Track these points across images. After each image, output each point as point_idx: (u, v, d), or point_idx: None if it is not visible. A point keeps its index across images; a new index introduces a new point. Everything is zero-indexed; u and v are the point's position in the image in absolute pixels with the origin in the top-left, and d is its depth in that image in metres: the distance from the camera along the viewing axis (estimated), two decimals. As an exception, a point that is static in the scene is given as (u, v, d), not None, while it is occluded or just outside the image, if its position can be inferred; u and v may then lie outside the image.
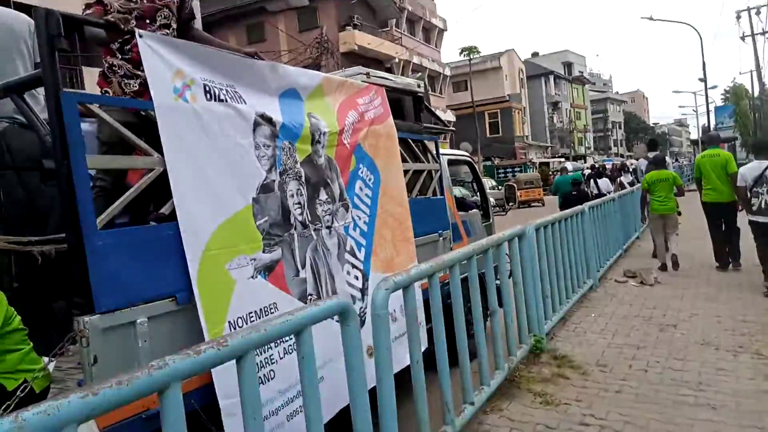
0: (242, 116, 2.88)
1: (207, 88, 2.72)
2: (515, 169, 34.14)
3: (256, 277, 2.85)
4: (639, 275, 7.53)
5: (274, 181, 3.05)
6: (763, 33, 28.40)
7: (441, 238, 5.14)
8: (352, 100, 3.97)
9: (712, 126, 33.41)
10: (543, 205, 27.91)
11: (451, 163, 6.13)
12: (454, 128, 7.29)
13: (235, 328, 2.63)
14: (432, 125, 5.45)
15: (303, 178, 3.29)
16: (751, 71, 62.23)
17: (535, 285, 5.00)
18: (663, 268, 8.16)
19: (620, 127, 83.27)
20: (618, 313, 6.02)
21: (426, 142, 5.16)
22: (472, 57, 40.26)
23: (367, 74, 4.28)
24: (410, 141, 4.83)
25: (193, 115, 2.59)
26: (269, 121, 3.06)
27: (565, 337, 5.30)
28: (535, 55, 65.27)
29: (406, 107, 5.08)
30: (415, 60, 32.31)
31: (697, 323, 5.47)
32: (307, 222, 3.30)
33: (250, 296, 2.77)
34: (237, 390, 2.02)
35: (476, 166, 6.81)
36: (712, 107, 32.50)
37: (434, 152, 5.29)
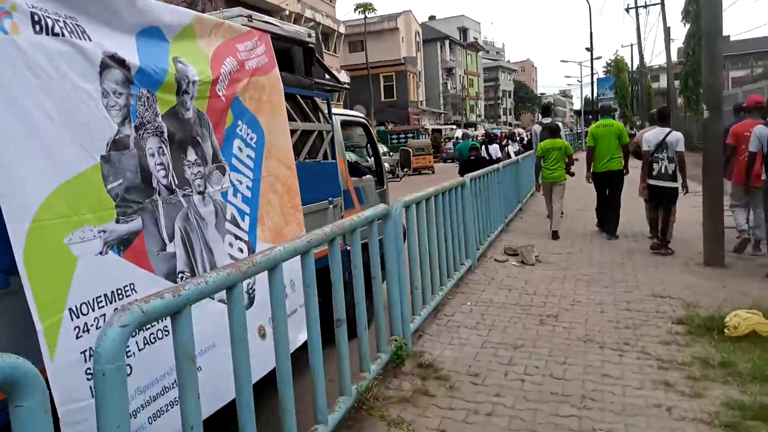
0: (85, 56, 2.37)
1: (36, 18, 2.19)
2: (408, 135, 34.42)
3: (107, 252, 2.40)
4: (520, 254, 7.18)
5: (128, 136, 2.59)
6: (646, 6, 30.22)
7: (331, 206, 4.85)
8: (230, 46, 3.52)
9: (595, 97, 35.40)
10: (433, 172, 28.39)
11: (344, 125, 5.81)
12: (348, 87, 6.90)
13: (79, 316, 2.19)
14: (324, 81, 5.08)
15: (165, 134, 2.84)
16: (632, 44, 66.82)
17: (400, 277, 4.22)
18: (554, 236, 8.61)
19: (510, 96, 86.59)
20: (496, 301, 5.50)
21: (317, 99, 4.79)
22: (367, 15, 39.68)
23: (249, 17, 3.82)
24: (299, 97, 4.45)
25: (13, 50, 2.07)
26: (121, 63, 2.57)
27: (436, 334, 4.67)
28: (432, 18, 65.71)
29: (296, 59, 4.66)
30: (308, 14, 31.27)
31: (579, 313, 5.08)
32: (174, 186, 2.87)
33: (99, 276, 2.33)
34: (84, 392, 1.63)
35: (371, 130, 6.54)
36: (595, 78, 34.28)
37: (326, 111, 4.94)
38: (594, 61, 32.29)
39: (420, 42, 53.55)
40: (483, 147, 13.40)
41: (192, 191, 3.02)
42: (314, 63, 4.81)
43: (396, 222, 4.18)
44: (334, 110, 5.46)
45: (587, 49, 30.96)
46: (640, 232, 8.41)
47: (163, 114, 2.85)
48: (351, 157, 7.99)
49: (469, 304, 5.45)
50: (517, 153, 14.16)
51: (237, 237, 3.34)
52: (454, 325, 4.94)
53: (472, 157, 11.59)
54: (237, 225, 3.36)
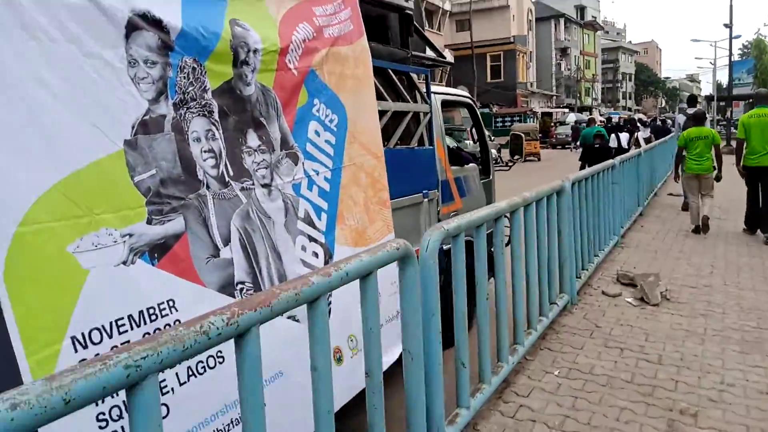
0: (105, 13, 1.90)
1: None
2: (515, 118, 32.90)
3: (134, 261, 1.93)
4: (639, 287, 5.16)
5: (163, 116, 2.11)
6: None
7: (426, 200, 4.23)
8: (305, 8, 2.97)
9: (725, 82, 31.96)
10: (539, 159, 26.42)
11: (445, 105, 5.15)
12: (451, 63, 6.22)
13: (87, 346, 1.73)
14: (423, 55, 4.45)
15: (216, 114, 2.34)
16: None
17: (428, 361, 2.70)
18: (696, 230, 7.85)
19: (630, 79, 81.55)
20: (599, 371, 3.59)
21: (413, 75, 4.17)
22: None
23: (334, -25, 3.25)
24: (391, 72, 3.85)
25: (5, 6, 1.62)
26: (157, 24, 2.08)
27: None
28: (546, -5, 62.79)
29: (390, 28, 4.07)
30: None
31: (735, 408, 3.12)
32: (228, 178, 2.37)
33: (121, 293, 1.87)
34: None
35: (477, 111, 5.83)
36: (734, 57, 30.84)
37: (423, 90, 4.31)
38: (732, 40, 28.97)
39: (532, 20, 51.25)
40: (612, 135, 12.45)
41: (254, 184, 2.51)
42: (412, 33, 4.19)
43: (427, 266, 2.60)
44: (433, 88, 4.82)
45: (725, 25, 27.80)
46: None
47: (215, 89, 2.35)
48: (450, 142, 7.33)
49: (557, 373, 3.59)
50: (648, 141, 12.87)
51: (312, 238, 2.81)
52: (526, 417, 3.10)
53: (597, 145, 11.12)
54: (312, 224, 2.83)
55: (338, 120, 3.12)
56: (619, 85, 77.46)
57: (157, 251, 2.03)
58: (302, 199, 2.79)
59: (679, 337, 4.16)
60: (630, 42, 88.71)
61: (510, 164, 7.14)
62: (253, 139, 2.55)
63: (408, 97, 4.03)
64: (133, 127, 1.97)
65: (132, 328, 1.90)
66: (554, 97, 54.01)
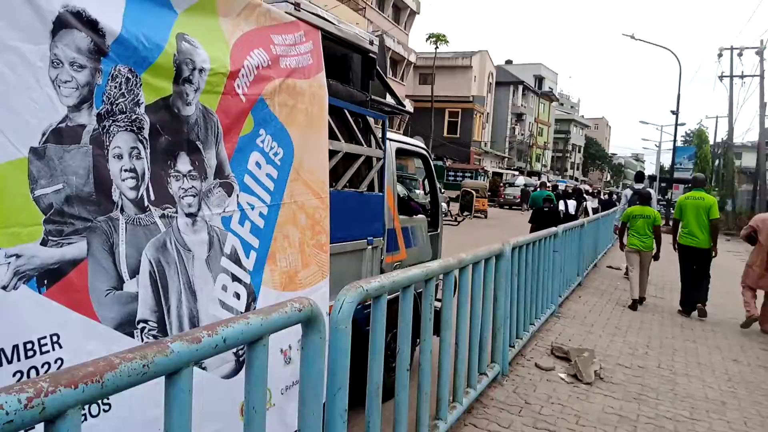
0: (31, 3, 1.67)
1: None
2: (466, 174, 33.50)
3: (17, 287, 1.66)
4: (573, 363, 4.96)
5: (83, 126, 1.87)
6: (742, 76, 28.59)
7: (370, 247, 4.05)
8: (263, 35, 2.80)
9: (667, 165, 33.54)
10: (485, 217, 27.09)
11: (400, 153, 5.03)
12: (410, 112, 6.15)
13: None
14: (383, 100, 4.33)
15: (146, 132, 2.11)
16: (716, 117, 64.25)
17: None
18: (633, 306, 8.01)
19: (579, 151, 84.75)
20: None
21: (370, 119, 4.04)
22: (439, 46, 39.26)
23: (297, 5, 3.10)
24: (347, 113, 3.70)
25: None
26: (92, 25, 1.87)
27: None
28: (508, 62, 65.03)
29: (351, 68, 3.94)
30: (382, 42, 31.09)
31: None
32: (147, 203, 2.12)
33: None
34: None
35: (431, 162, 5.74)
36: (675, 146, 32.46)
37: (379, 135, 4.18)
38: (678, 127, 30.53)
39: (493, 83, 52.88)
40: (561, 201, 12.70)
41: (177, 212, 2.27)
42: (373, 77, 4.08)
43: (338, 333, 2.21)
44: (390, 135, 4.70)
45: (672, 112, 29.29)
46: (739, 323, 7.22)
47: (149, 105, 2.13)
48: (402, 190, 7.23)
49: None
50: (595, 211, 13.38)
51: (235, 278, 2.57)
52: None
53: (546, 209, 11.24)
54: (238, 262, 2.59)
55: (283, 154, 2.92)
56: (569, 155, 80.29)
57: (48, 277, 1.76)
58: (231, 233, 2.56)
59: (611, 422, 3.95)
60: (582, 116, 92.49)
61: (459, 220, 7.04)
62: (183, 163, 2.32)
63: (362, 141, 3.88)
64: (43, 134, 1.73)
65: (1, 364, 1.61)
66: (506, 159, 55.42)
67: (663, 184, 37.51)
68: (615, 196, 26.13)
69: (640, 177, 11.83)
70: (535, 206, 12.20)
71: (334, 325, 2.20)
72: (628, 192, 11.32)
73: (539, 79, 66.39)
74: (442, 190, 24.78)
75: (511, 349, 4.92)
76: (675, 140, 31.53)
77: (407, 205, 5.10)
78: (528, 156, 60.24)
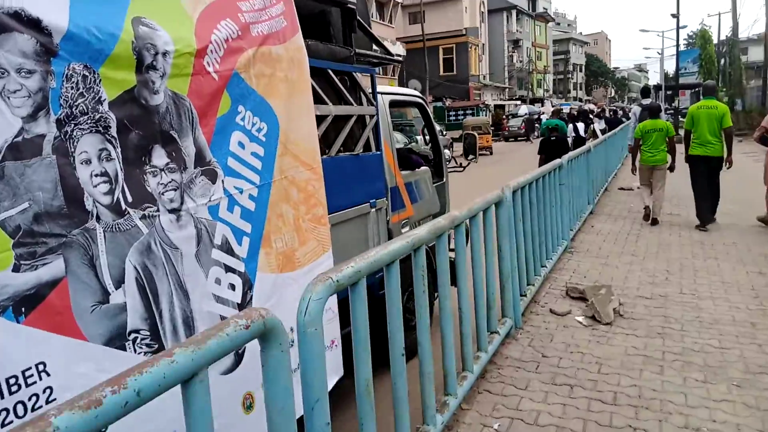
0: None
1: None
2: (468, 112, 32.87)
3: (-10, 321, 1.55)
4: (590, 303, 4.69)
5: (42, 136, 1.72)
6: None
7: (373, 210, 3.92)
8: (229, 3, 2.60)
9: (671, 71, 32.62)
10: (491, 153, 26.62)
11: (394, 105, 4.84)
12: (401, 59, 5.88)
13: None
14: (368, 52, 4.11)
15: (113, 129, 1.96)
16: (719, 13, 62.29)
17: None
18: (646, 216, 8.22)
19: (581, 70, 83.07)
20: (543, 424, 3.08)
21: (358, 76, 3.83)
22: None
23: (261, -36, 2.87)
24: (332, 73, 3.50)
25: None
26: (34, 24, 1.69)
27: None
28: (498, -14, 63.05)
29: (331, 24, 3.71)
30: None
31: None
32: (125, 206, 1.99)
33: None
34: None
35: (428, 110, 5.53)
36: (680, 47, 31.49)
37: (369, 91, 3.98)
38: (679, 30, 29.53)
39: (485, 12, 51.40)
40: (570, 125, 12.63)
41: (159, 210, 2.14)
42: (355, 29, 3.84)
43: (307, 339, 1.95)
44: (381, 88, 4.49)
45: (673, 15, 28.27)
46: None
47: (113, 100, 1.96)
48: (399, 139, 7.01)
49: (496, 426, 3.09)
50: (603, 132, 13.30)
51: (229, 268, 2.45)
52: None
53: (553, 137, 11.16)
54: (230, 252, 2.47)
55: (268, 129, 2.76)
56: (570, 76, 78.77)
57: (25, 304, 1.64)
58: (220, 223, 2.43)
59: (635, 365, 3.72)
60: (580, 33, 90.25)
61: (464, 165, 6.83)
62: (159, 157, 2.17)
63: (351, 100, 3.69)
64: None
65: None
66: (507, 89, 54.43)
67: (669, 92, 36.70)
68: (621, 113, 25.67)
69: (646, 92, 11.67)
70: (543, 136, 12.08)
71: (302, 329, 1.92)
72: (637, 109, 11.24)
73: (532, 1, 64.47)
74: (444, 132, 24.20)
75: (523, 299, 4.69)
76: (678, 45, 30.68)
77: (408, 159, 4.93)
78: (529, 83, 59.13)
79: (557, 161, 6.39)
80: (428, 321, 2.98)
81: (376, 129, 4.03)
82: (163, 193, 2.16)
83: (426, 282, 2.93)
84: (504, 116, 39.75)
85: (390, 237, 4.10)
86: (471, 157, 6.91)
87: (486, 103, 40.89)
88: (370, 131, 3.96)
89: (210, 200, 2.39)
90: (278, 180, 2.79)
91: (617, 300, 4.83)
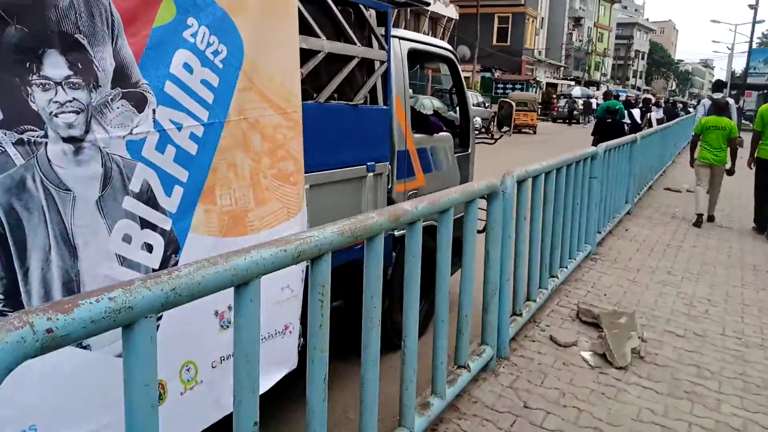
0: None
1: None
2: (516, 86, 31.61)
3: None
4: (603, 339, 3.72)
5: None
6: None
7: (371, 174, 3.37)
8: None
9: (739, 69, 30.83)
10: (534, 132, 25.51)
11: (415, 56, 4.23)
12: (428, 3, 5.22)
13: None
14: (384, -14, 3.50)
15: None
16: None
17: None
18: (697, 222, 7.59)
19: (643, 58, 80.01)
20: None
21: (365, 8, 3.24)
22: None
23: None
24: (330, 2, 2.92)
25: None
26: None
27: None
28: (565, -40, 60.46)
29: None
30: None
31: None
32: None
33: None
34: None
35: (459, 68, 4.89)
36: (753, 45, 29.63)
37: (380, 31, 3.39)
38: (755, 25, 27.69)
39: (548, -16, 49.41)
40: (626, 111, 12.05)
41: (47, 136, 1.63)
42: (370, -46, 3.24)
43: None
44: (402, 32, 3.91)
45: (750, 6, 26.50)
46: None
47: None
48: (432, 105, 6.41)
49: None
50: (660, 122, 12.60)
51: (146, 224, 1.94)
52: None
53: (609, 120, 10.89)
54: (152, 202, 1.96)
55: (227, 53, 2.21)
56: (631, 63, 75.89)
57: None
58: (143, 163, 1.91)
59: None
60: (647, 19, 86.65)
61: (496, 137, 6.18)
62: (55, 66, 1.65)
63: (354, 38, 3.11)
64: None
65: None
66: (562, 68, 52.56)
67: (734, 92, 34.84)
68: (680, 106, 24.39)
69: (719, 86, 10.89)
70: (600, 117, 11.68)
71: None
72: (707, 102, 10.52)
73: (600, -21, 61.83)
74: (487, 104, 23.32)
75: (516, 320, 3.78)
76: (751, 40, 28.93)
77: (425, 121, 4.33)
78: (586, 64, 57.02)
79: (591, 149, 5.54)
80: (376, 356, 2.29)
81: (385, 78, 3.45)
82: (56, 115, 1.66)
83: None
84: (554, 95, 38.37)
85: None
86: (505, 128, 6.25)
87: (537, 79, 39.47)
88: (378, 80, 3.39)
89: (131, 133, 1.87)
90: (234, 120, 2.26)
91: (638, 335, 3.87)
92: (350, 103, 3.11)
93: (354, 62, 3.09)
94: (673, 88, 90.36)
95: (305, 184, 2.72)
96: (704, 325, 4.28)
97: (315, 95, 2.85)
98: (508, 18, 41.84)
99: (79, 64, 1.71)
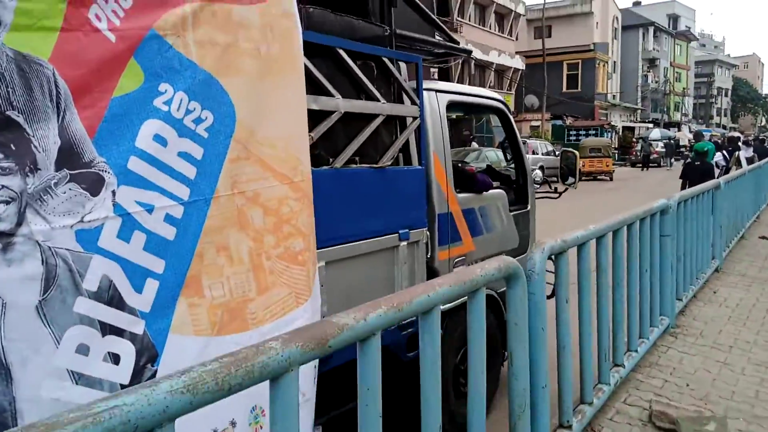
0: None
1: None
2: (590, 132, 30.66)
3: None
4: None
5: None
6: None
7: (404, 243, 2.99)
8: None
9: None
10: (611, 179, 24.46)
11: (456, 108, 3.90)
12: (468, 51, 4.89)
13: None
14: (414, 35, 3.22)
15: None
16: None
17: None
18: None
19: (726, 95, 76.76)
20: None
21: (390, 61, 2.94)
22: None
23: None
24: (344, 55, 2.63)
25: None
26: None
27: None
28: (636, 4, 59.53)
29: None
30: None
31: None
32: None
33: None
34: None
35: (510, 118, 4.50)
36: None
37: (410, 86, 3.08)
38: None
39: (618, 28, 48.47)
40: (719, 153, 11.40)
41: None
42: (394, 1, 2.96)
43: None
44: (439, 85, 3.60)
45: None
46: None
47: None
48: (498, 157, 5.99)
49: None
50: (750, 161, 11.67)
51: (110, 329, 1.64)
52: None
53: (697, 162, 10.59)
54: (117, 302, 1.66)
55: (214, 120, 1.94)
56: (714, 100, 72.86)
57: None
58: (100, 256, 1.62)
59: None
60: (728, 55, 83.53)
61: (560, 190, 5.64)
62: (-22, 148, 1.41)
63: (377, 94, 2.81)
64: None
65: None
66: (638, 111, 50.96)
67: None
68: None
69: None
70: (688, 160, 11.44)
71: None
72: None
73: (673, 18, 60.42)
74: (557, 153, 22.79)
75: None
76: None
77: (472, 179, 3.95)
78: (664, 105, 55.10)
79: (660, 202, 4.47)
80: None
81: (419, 135, 3.12)
82: (-24, 206, 1.40)
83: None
84: (633, 140, 37.00)
85: (434, 279, 3.15)
86: (570, 180, 5.75)
87: (612, 123, 38.23)
88: (411, 138, 3.07)
89: (83, 221, 1.60)
90: (226, 195, 1.96)
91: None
92: (374, 165, 2.78)
93: (378, 121, 2.78)
94: (763, 123, 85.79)
95: (320, 262, 2.39)
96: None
97: (331, 160, 2.55)
98: (577, 64, 41.18)
99: (12, 146, 1.46)
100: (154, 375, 1.74)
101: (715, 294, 5.86)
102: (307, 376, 2.17)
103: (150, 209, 1.76)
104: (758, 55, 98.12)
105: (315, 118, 2.39)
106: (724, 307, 5.43)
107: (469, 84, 22.54)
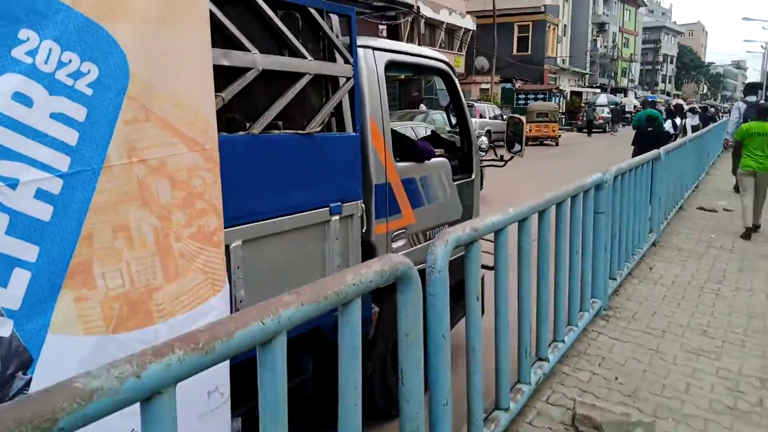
0: None
1: None
2: (539, 96, 30.85)
3: None
4: None
5: None
6: None
7: (336, 217, 2.77)
8: None
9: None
10: (557, 144, 24.76)
11: (397, 67, 3.65)
12: (413, 10, 4.61)
13: None
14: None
15: None
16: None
17: None
18: (745, 235, 7.22)
19: (671, 62, 78.68)
20: None
21: (318, 12, 2.65)
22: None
23: None
24: (261, 2, 2.33)
25: None
26: None
27: None
28: (586, -34, 59.74)
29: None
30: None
31: None
32: None
33: None
34: None
35: (456, 81, 4.28)
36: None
37: (343, 42, 2.81)
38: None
39: (570, -9, 48.72)
40: (669, 121, 11.69)
41: None
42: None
43: None
44: (380, 42, 3.33)
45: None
46: None
47: None
48: (445, 121, 5.80)
49: None
50: (695, 129, 12.04)
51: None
52: None
53: (650, 129, 10.60)
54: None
55: (100, 74, 1.64)
56: (659, 67, 74.60)
57: None
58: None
59: None
60: (674, 23, 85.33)
61: (506, 159, 5.47)
62: None
63: (303, 51, 2.53)
64: None
65: None
66: (587, 76, 51.63)
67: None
68: (712, 110, 23.58)
69: (752, 88, 10.44)
70: (638, 126, 11.30)
71: None
72: (741, 105, 10.22)
73: (623, -17, 61.03)
74: (505, 117, 22.90)
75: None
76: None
77: (412, 146, 3.73)
78: (612, 71, 56.02)
79: (594, 177, 4.18)
80: None
81: (352, 97, 2.87)
82: None
83: None
84: (581, 104, 37.50)
85: (371, 255, 2.94)
86: (517, 148, 5.59)
87: (561, 88, 38.55)
88: (344, 101, 2.81)
89: None
90: (120, 165, 1.67)
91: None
92: (300, 131, 2.53)
93: (304, 81, 2.51)
94: (705, 91, 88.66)
95: (236, 241, 2.14)
96: (762, 418, 3.00)
97: (248, 125, 2.27)
98: (528, 27, 41.14)
99: None
100: (28, 384, 1.48)
101: (651, 270, 5.74)
102: (222, 374, 1.94)
103: (13, 184, 1.47)
104: (702, 24, 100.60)
105: (228, 75, 2.12)
106: (660, 285, 5.28)
107: (420, 44, 22.09)
